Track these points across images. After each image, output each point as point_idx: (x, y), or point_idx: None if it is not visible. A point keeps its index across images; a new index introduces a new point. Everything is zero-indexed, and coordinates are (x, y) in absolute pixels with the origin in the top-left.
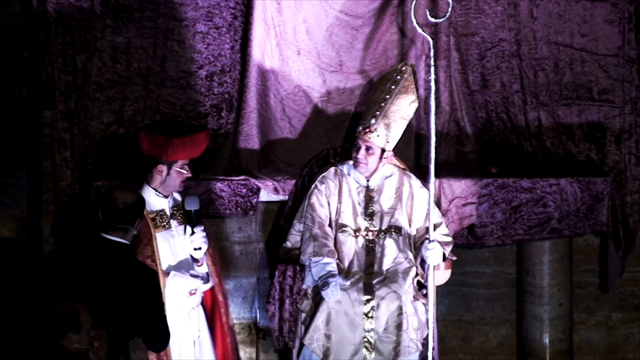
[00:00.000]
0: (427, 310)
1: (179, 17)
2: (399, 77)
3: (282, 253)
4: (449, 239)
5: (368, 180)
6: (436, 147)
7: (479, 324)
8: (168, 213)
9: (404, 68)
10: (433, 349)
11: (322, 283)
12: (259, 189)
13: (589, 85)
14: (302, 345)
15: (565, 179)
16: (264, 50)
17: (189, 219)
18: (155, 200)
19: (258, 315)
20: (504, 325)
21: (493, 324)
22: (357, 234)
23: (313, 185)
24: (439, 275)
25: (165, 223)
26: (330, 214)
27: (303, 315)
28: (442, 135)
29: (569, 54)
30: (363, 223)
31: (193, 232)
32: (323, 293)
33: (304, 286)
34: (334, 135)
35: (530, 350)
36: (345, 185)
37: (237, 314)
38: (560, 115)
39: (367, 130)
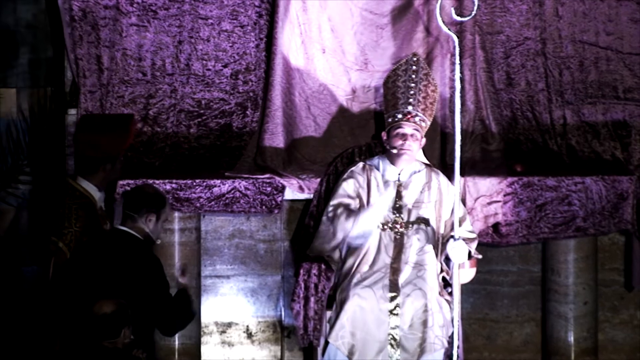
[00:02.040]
0: (452, 309)
1: (204, 15)
2: (414, 67)
3: (313, 251)
4: (474, 235)
5: (399, 174)
6: (461, 146)
7: (504, 322)
8: (103, 207)
9: (415, 59)
10: (458, 347)
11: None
12: (284, 187)
13: (614, 84)
14: (327, 343)
15: (590, 178)
16: (289, 48)
17: None
18: (98, 196)
19: (283, 313)
20: (528, 323)
21: (518, 322)
22: (385, 227)
23: (341, 179)
24: (464, 273)
25: (105, 218)
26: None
27: (328, 313)
28: (467, 133)
29: (594, 52)
30: (391, 217)
31: None
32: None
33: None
34: (359, 134)
35: (555, 349)
36: (373, 180)
37: (262, 312)
38: (586, 114)
39: (409, 116)
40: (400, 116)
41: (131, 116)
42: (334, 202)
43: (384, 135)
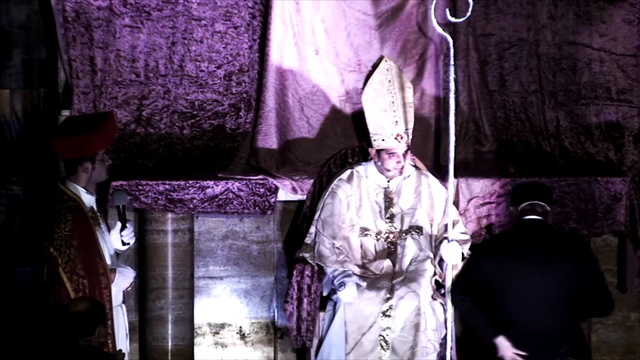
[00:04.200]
0: (445, 310)
1: (197, 16)
2: (389, 75)
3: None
4: (467, 237)
5: (388, 182)
6: (454, 147)
7: None
8: (96, 210)
9: (385, 64)
10: (451, 348)
11: (339, 283)
12: (277, 189)
13: (607, 85)
14: (320, 344)
15: (583, 179)
16: (282, 49)
17: (119, 214)
18: (87, 199)
19: (276, 314)
20: None
21: None
22: (379, 237)
23: (329, 189)
24: None
25: (97, 221)
26: (345, 219)
27: (321, 314)
28: (461, 135)
29: (587, 54)
30: (384, 225)
31: (124, 227)
32: (339, 294)
33: (325, 293)
34: (352, 135)
35: None
36: (363, 189)
37: (255, 313)
38: (579, 115)
39: (399, 137)
40: (390, 140)
41: (107, 114)
42: (318, 223)
43: (372, 151)
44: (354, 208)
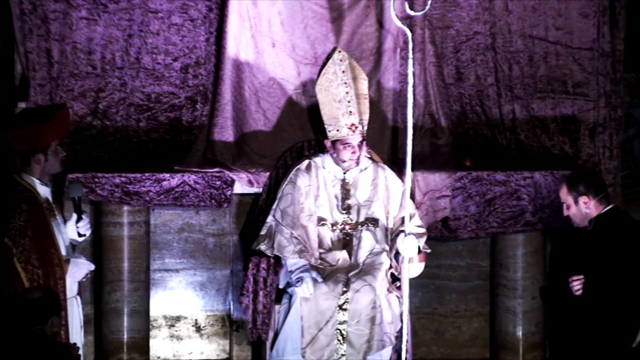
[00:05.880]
0: (401, 303)
1: (153, 9)
2: (343, 65)
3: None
4: (423, 230)
5: (345, 174)
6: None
7: (452, 316)
8: (51, 201)
9: (339, 54)
10: (407, 341)
11: (296, 278)
12: (233, 181)
13: (563, 79)
14: (275, 337)
15: (539, 172)
16: (239, 42)
17: (74, 206)
18: (42, 190)
19: (232, 307)
20: (477, 318)
21: (466, 316)
22: (335, 227)
23: (287, 179)
24: (413, 267)
25: (53, 212)
26: (304, 208)
27: (277, 307)
28: (417, 128)
29: (544, 47)
30: (340, 216)
31: (80, 219)
32: (296, 289)
33: (281, 286)
34: (308, 128)
35: (503, 343)
36: (321, 179)
37: (211, 306)
38: (535, 109)
39: (354, 127)
40: (345, 130)
41: (60, 106)
42: (277, 213)
43: (327, 143)
44: (312, 197)
